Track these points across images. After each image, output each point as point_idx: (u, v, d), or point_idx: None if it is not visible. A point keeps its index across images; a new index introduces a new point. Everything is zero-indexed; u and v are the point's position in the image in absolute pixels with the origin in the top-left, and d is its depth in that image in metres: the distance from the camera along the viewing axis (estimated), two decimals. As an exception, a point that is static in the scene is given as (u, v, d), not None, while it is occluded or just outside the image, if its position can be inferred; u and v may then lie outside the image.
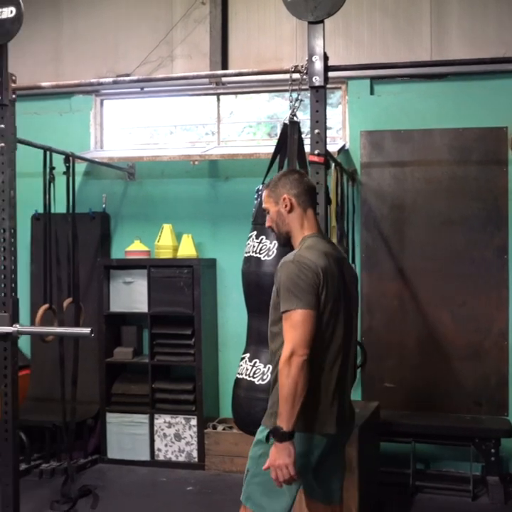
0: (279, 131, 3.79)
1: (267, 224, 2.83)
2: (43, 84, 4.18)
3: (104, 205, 5.72)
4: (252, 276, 3.47)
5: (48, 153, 4.50)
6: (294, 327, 2.46)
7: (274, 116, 6.01)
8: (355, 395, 4.85)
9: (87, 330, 3.89)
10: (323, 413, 2.59)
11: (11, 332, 3.90)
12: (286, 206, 2.73)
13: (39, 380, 5.63)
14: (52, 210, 4.61)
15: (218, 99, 5.86)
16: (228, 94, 5.85)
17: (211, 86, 5.69)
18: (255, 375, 3.42)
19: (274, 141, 3.77)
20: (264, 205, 2.83)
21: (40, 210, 5.52)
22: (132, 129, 6.19)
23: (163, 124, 6.16)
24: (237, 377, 3.52)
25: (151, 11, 5.85)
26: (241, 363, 3.52)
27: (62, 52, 6.04)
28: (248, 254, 3.51)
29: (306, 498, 2.85)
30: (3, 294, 3.94)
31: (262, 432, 2.67)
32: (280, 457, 2.45)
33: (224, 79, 5.62)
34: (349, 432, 2.86)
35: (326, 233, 3.41)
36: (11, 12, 3.79)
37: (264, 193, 2.83)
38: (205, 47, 5.70)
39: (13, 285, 3.96)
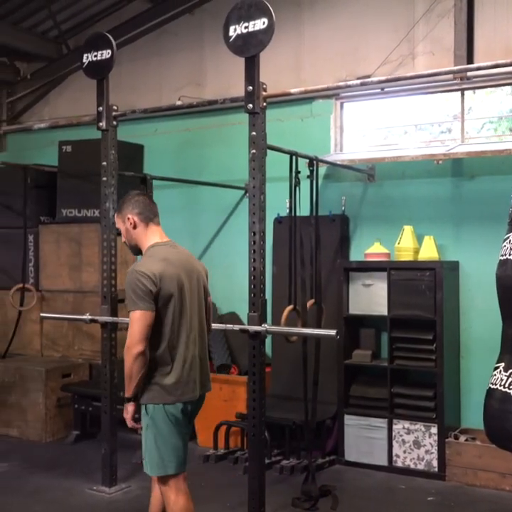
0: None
1: (123, 240, 3.48)
2: (292, 90, 4.30)
3: (343, 208, 5.75)
4: (509, 281, 3.23)
5: (294, 157, 4.61)
6: (132, 324, 3.18)
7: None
8: None
9: (332, 332, 3.92)
10: (175, 387, 3.26)
11: (260, 331, 4.06)
12: (131, 224, 3.40)
13: (279, 378, 5.81)
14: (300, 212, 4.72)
15: (462, 95, 5.61)
16: (474, 89, 5.57)
17: (455, 82, 5.47)
18: (511, 386, 3.18)
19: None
20: (116, 226, 3.50)
21: (282, 214, 5.75)
22: (367, 131, 6.15)
23: (399, 124, 6.03)
24: (489, 388, 3.30)
25: (391, 11, 5.77)
26: (494, 372, 3.29)
27: (302, 60, 6.19)
28: (504, 257, 3.27)
29: (162, 480, 3.33)
30: (252, 295, 4.12)
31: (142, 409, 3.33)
32: (125, 413, 3.28)
33: (469, 73, 5.37)
34: (200, 403, 3.47)
35: None
36: (264, 23, 3.94)
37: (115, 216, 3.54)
38: (448, 42, 5.49)
39: (262, 286, 4.12)
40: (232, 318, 6.00)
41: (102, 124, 4.74)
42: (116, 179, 4.80)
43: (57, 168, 6.76)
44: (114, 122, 4.80)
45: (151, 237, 3.42)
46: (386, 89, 5.77)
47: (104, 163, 4.79)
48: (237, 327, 4.23)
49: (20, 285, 6.33)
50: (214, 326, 5.31)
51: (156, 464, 3.29)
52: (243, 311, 6.14)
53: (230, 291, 6.31)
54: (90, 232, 6.42)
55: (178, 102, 6.37)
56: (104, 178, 4.78)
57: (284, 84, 5.74)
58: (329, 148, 5.96)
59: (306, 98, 6.01)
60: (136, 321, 3.17)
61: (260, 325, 4.06)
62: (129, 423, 3.31)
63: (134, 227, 3.41)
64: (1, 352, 6.74)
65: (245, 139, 6.42)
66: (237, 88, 5.63)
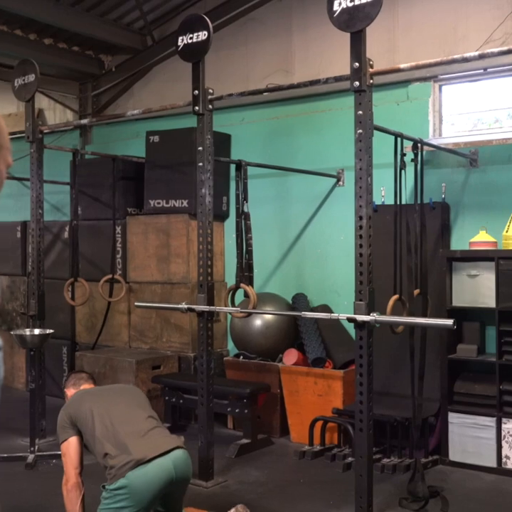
0: None
1: None
2: (401, 66, 4.08)
3: (443, 195, 5.46)
4: None
5: (399, 139, 4.37)
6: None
7: None
8: None
9: (449, 321, 3.67)
10: None
11: (368, 321, 3.84)
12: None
13: (377, 372, 5.54)
14: (393, 200, 4.48)
15: None
16: None
17: None
18: None
19: None
20: None
21: (377, 202, 5.50)
22: (462, 115, 5.83)
23: (503, 106, 5.69)
24: None
25: (494, -13, 5.46)
26: None
27: (397, 42, 5.92)
28: None
29: None
30: (359, 283, 3.91)
31: None
32: None
33: None
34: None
35: None
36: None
37: None
38: (558, 16, 5.15)
39: (370, 274, 3.91)
40: (324, 310, 5.80)
41: (198, 108, 4.61)
42: (212, 164, 4.67)
43: (144, 159, 6.71)
44: (210, 106, 4.67)
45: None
46: (489, 70, 5.46)
47: (200, 148, 4.65)
48: (343, 316, 4.02)
49: (109, 276, 6.29)
50: (311, 314, 5.15)
51: None
52: (335, 303, 5.98)
53: (322, 282, 6.12)
54: (178, 222, 6.33)
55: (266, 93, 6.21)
56: (200, 164, 4.65)
57: (377, 68, 5.50)
58: (427, 133, 5.68)
59: (402, 81, 5.76)
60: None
61: (368, 314, 3.85)
62: None
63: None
64: (90, 343, 6.74)
65: (336, 126, 6.27)
66: (327, 73, 5.46)
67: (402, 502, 4.26)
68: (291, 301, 6.01)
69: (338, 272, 6.02)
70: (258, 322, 5.88)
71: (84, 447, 3.48)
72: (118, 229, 6.69)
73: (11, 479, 4.67)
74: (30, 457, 4.89)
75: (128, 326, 6.63)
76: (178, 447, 3.37)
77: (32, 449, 4.96)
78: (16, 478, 4.69)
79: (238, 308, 4.58)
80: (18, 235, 7.47)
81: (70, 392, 3.79)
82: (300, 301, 5.95)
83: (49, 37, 7.40)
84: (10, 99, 6.65)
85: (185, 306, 4.63)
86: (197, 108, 4.62)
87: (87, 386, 3.81)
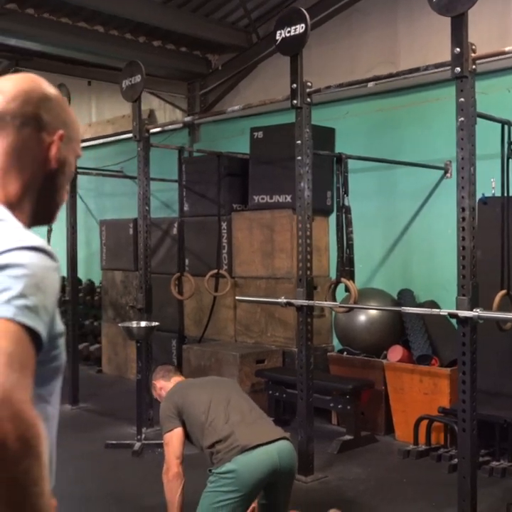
0: None
1: None
2: (506, 48, 3.88)
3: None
4: None
5: (506, 127, 4.17)
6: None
7: None
8: None
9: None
10: None
11: (470, 317, 3.69)
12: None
13: (485, 371, 5.32)
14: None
15: None
16: None
17: None
18: None
19: None
20: None
21: (487, 194, 5.27)
22: None
23: None
24: None
25: None
26: None
27: (508, 27, 5.63)
28: None
29: None
30: (462, 277, 3.76)
31: None
32: None
33: None
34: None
35: None
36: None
37: None
38: None
39: (473, 268, 3.75)
40: (431, 306, 5.62)
41: (296, 102, 4.60)
42: (311, 158, 4.64)
43: (248, 155, 6.78)
44: (309, 99, 4.64)
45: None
46: None
47: (299, 141, 4.64)
48: (444, 311, 3.88)
49: (215, 271, 6.41)
50: (415, 310, 5.01)
51: None
52: (442, 299, 5.77)
53: (429, 278, 5.94)
54: (282, 217, 6.35)
55: (370, 84, 6.10)
56: (299, 158, 4.64)
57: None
58: (540, 120, 5.38)
59: (512, 67, 5.48)
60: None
61: (471, 310, 3.69)
62: None
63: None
64: (198, 336, 6.89)
65: (444, 115, 6.03)
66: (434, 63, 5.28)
67: (510, 508, 4.05)
68: (396, 297, 5.88)
69: (446, 267, 5.78)
70: (362, 318, 5.79)
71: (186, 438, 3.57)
72: (224, 225, 6.80)
73: (118, 466, 4.87)
74: (137, 445, 5.06)
75: (234, 320, 6.72)
76: (283, 438, 3.37)
77: (139, 437, 5.14)
78: (122, 465, 4.89)
79: (337, 303, 4.53)
80: (131, 231, 7.75)
81: (159, 383, 3.86)
82: (406, 296, 5.80)
83: (158, 39, 7.63)
84: (124, 101, 6.91)
85: (285, 301, 4.63)
86: (295, 101, 4.61)
87: (177, 378, 3.87)
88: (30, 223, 1.28)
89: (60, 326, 1.18)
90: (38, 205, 1.29)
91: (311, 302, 4.56)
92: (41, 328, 1.02)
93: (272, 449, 3.23)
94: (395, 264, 6.23)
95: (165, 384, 3.82)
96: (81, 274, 9.91)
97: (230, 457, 3.16)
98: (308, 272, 4.64)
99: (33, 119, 1.25)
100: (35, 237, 1.12)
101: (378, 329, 5.74)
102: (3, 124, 1.24)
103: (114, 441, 5.26)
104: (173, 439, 3.48)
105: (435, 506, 4.09)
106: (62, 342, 1.19)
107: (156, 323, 5.35)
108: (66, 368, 1.36)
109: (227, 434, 3.25)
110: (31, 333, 1.00)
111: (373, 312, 5.72)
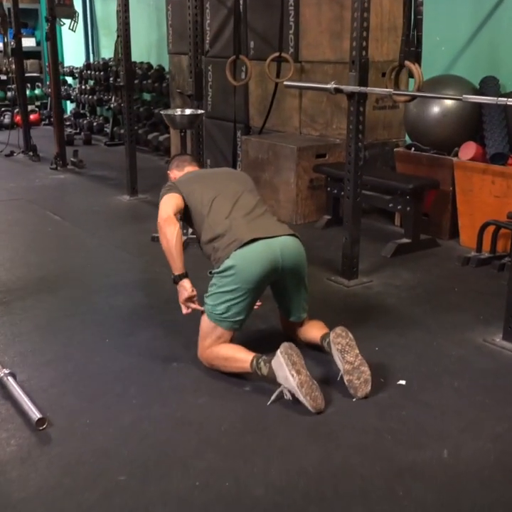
0: None
1: None
2: None
3: None
4: None
5: None
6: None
7: None
8: None
9: None
10: None
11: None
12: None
13: None
14: None
15: None
16: None
17: None
18: None
19: None
20: None
21: None
22: None
23: None
24: None
25: None
26: None
27: None
28: None
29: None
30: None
31: None
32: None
33: None
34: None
35: None
36: None
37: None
38: None
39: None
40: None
41: None
42: None
43: None
44: None
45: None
46: None
47: None
48: None
49: (276, 55, 5.76)
50: (475, 98, 4.30)
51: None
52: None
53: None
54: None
55: None
56: None
57: None
58: None
59: None
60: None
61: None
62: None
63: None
64: (258, 127, 6.44)
65: None
66: None
67: None
68: (478, 86, 5.09)
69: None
70: (435, 109, 5.09)
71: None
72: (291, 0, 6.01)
73: (157, 258, 4.75)
74: (182, 238, 4.89)
75: (299, 110, 6.16)
76: (290, 235, 3.09)
77: (185, 231, 4.94)
78: (163, 257, 4.76)
79: (391, 91, 3.89)
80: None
81: (173, 173, 3.64)
82: (489, 85, 5.00)
83: None
84: None
85: (333, 86, 4.04)
86: None
87: (190, 168, 3.61)
88: None
89: None
90: None
91: (362, 89, 3.95)
92: None
93: (273, 242, 3.00)
94: (481, 48, 5.32)
95: (178, 174, 3.59)
96: (152, 59, 9.47)
97: (228, 253, 2.96)
98: (363, 53, 3.99)
99: None
100: None
101: (452, 122, 5.04)
102: None
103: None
104: (170, 198, 3.21)
105: (482, 320, 3.71)
106: None
107: (202, 111, 4.92)
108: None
109: (226, 228, 3.04)
110: None
111: (448, 103, 5.00)
